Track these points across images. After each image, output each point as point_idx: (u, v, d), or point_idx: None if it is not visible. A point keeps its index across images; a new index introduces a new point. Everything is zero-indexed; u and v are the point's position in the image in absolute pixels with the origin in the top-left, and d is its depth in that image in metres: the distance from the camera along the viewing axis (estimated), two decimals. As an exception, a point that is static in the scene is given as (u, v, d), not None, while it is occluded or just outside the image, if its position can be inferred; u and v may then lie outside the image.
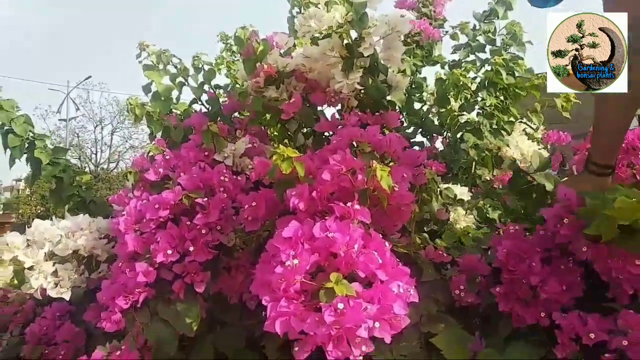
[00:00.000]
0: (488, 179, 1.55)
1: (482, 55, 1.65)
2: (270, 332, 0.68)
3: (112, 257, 1.05)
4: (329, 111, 1.22)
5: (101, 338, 1.07)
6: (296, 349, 0.66)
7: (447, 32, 1.77)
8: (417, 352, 0.86)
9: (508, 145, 1.48)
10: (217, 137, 0.97)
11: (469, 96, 1.44)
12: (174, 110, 1.32)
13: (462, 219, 1.08)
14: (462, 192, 1.14)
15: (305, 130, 1.23)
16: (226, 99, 1.33)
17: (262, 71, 1.05)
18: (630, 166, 1.14)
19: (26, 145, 1.44)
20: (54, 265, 0.93)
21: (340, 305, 0.62)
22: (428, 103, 1.63)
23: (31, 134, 1.45)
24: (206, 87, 1.30)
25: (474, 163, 1.50)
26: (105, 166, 20.54)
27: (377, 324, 0.64)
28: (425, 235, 1.02)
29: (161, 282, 0.87)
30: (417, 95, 1.64)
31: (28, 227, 1.00)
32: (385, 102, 1.06)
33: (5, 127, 1.42)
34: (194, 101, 1.30)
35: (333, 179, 0.78)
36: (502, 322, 0.86)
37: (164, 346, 0.86)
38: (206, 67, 1.30)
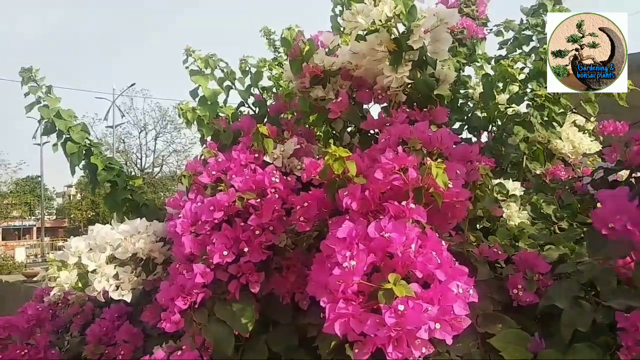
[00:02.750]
0: (539, 173, 1.51)
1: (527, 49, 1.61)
2: (328, 333, 0.68)
3: (167, 259, 1.08)
4: (374, 109, 1.22)
5: (157, 338, 1.11)
6: (356, 350, 0.66)
7: (490, 29, 1.74)
8: (474, 352, 0.84)
9: (560, 138, 1.43)
10: (266, 138, 0.98)
11: (517, 88, 1.39)
12: (221, 114, 1.35)
13: (516, 215, 1.04)
14: (514, 187, 1.11)
15: (350, 129, 1.23)
16: (271, 101, 1.34)
17: (308, 71, 1.05)
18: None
19: (83, 152, 1.51)
20: (115, 268, 0.97)
21: (401, 307, 0.61)
22: (474, 99, 1.59)
23: (87, 141, 1.52)
24: (253, 89, 1.32)
25: (524, 157, 1.46)
26: (149, 170, 21.22)
27: (437, 325, 0.63)
28: (479, 232, 1.00)
29: (217, 283, 0.89)
30: (461, 92, 1.61)
31: (80, 232, 1.04)
32: (434, 96, 1.05)
33: (64, 136, 1.49)
34: (241, 104, 1.32)
35: (385, 178, 0.78)
36: (563, 322, 0.83)
37: (222, 346, 0.87)
38: (253, 70, 1.31)
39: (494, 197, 0.99)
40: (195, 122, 1.19)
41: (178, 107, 1.20)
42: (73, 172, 1.56)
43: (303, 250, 1.00)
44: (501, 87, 1.45)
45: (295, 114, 1.18)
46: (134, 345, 1.18)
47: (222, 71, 1.30)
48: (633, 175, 1.26)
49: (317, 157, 1.03)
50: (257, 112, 1.28)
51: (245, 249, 0.86)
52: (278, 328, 1.02)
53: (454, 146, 0.88)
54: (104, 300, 1.00)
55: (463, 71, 1.63)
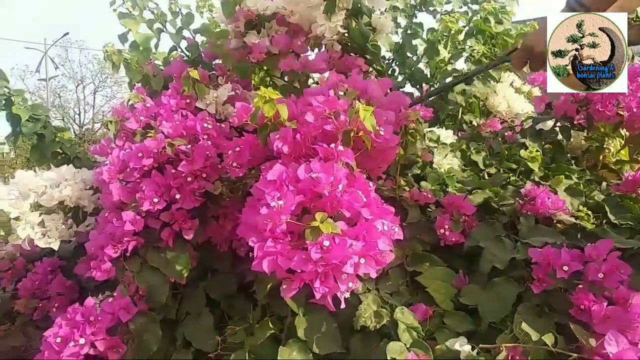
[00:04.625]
0: (475, 124, 1.56)
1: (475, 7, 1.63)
2: (259, 272, 0.69)
3: (98, 208, 1.05)
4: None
5: (94, 290, 1.09)
6: (284, 287, 0.68)
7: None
8: (403, 290, 0.89)
9: (495, 92, 1.48)
10: (198, 84, 0.94)
11: (457, 44, 1.42)
12: (155, 60, 1.28)
13: (446, 162, 1.08)
14: (446, 135, 1.14)
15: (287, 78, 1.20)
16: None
17: (242, 14, 1.01)
18: (616, 105, 1.15)
19: (3, 101, 1.40)
20: (40, 216, 0.93)
21: (326, 242, 0.62)
22: (418, 53, 1.61)
23: (7, 90, 1.41)
24: (185, 32, 1.26)
25: (460, 109, 1.50)
26: (89, 126, 20.19)
27: (362, 260, 0.65)
28: (410, 177, 1.03)
29: (149, 231, 0.88)
30: (412, 41, 1.62)
31: None
32: (369, 47, 1.04)
33: (-23, 85, 1.37)
34: (173, 48, 1.26)
35: (316, 121, 0.77)
36: (483, 259, 0.88)
37: (156, 293, 0.87)
38: (184, 11, 1.25)
39: (425, 143, 1.02)
40: (122, 66, 1.13)
41: (104, 49, 1.13)
42: None
43: (239, 198, 1.00)
44: (442, 43, 1.48)
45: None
46: (69, 298, 1.15)
47: (152, 12, 1.22)
48: (557, 124, 1.34)
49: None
50: (190, 57, 1.23)
51: (177, 196, 0.84)
52: (216, 275, 1.03)
53: (385, 95, 0.89)
54: (29, 249, 0.96)
55: (416, 17, 1.63)
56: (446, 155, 1.07)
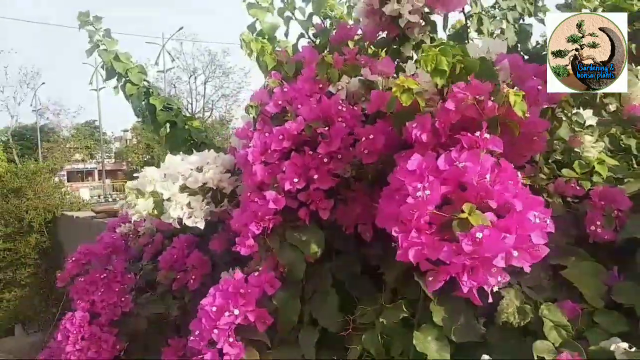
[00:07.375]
0: (613, 109, 1.41)
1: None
2: (388, 257, 0.68)
3: (233, 190, 1.11)
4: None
5: (225, 266, 1.16)
6: (430, 279, 0.66)
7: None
8: (546, 284, 0.83)
9: (637, 77, 1.32)
10: (330, 69, 0.95)
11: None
12: (278, 48, 1.32)
13: (591, 147, 0.98)
14: (588, 115, 1.03)
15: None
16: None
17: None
18: None
19: (142, 92, 1.55)
20: (187, 197, 1.01)
21: (479, 235, 0.60)
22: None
23: (145, 83, 1.55)
24: (315, 19, 1.28)
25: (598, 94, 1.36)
26: (200, 115, 21.65)
27: (515, 253, 0.61)
28: (553, 165, 0.96)
29: (287, 210, 0.91)
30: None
31: (137, 174, 1.07)
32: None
33: (123, 78, 1.53)
34: (301, 35, 1.29)
35: (457, 108, 0.74)
36: (640, 254, 0.80)
37: (295, 269, 0.90)
38: (315, -2, 1.26)
39: (571, 127, 0.94)
40: (257, 54, 1.18)
41: (240, 38, 1.18)
42: (136, 114, 1.61)
43: (367, 182, 1.00)
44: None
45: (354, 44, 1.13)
46: (203, 271, 1.24)
47: (282, 1, 1.26)
48: None
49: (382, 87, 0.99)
50: (317, 42, 1.25)
51: (315, 176, 0.86)
52: (342, 256, 1.04)
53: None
54: (179, 227, 1.05)
55: (523, 20, 1.54)
56: (597, 141, 0.97)
